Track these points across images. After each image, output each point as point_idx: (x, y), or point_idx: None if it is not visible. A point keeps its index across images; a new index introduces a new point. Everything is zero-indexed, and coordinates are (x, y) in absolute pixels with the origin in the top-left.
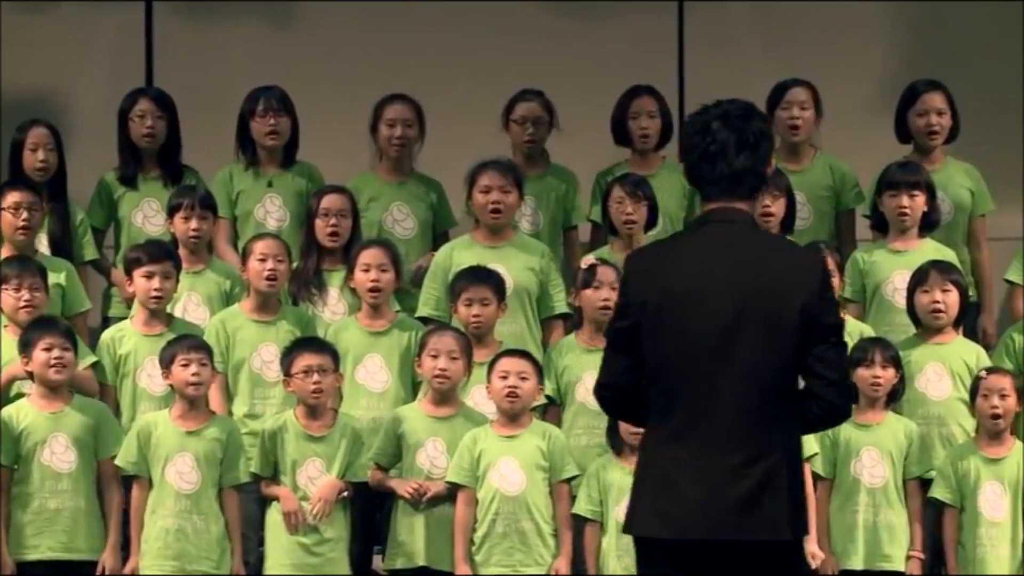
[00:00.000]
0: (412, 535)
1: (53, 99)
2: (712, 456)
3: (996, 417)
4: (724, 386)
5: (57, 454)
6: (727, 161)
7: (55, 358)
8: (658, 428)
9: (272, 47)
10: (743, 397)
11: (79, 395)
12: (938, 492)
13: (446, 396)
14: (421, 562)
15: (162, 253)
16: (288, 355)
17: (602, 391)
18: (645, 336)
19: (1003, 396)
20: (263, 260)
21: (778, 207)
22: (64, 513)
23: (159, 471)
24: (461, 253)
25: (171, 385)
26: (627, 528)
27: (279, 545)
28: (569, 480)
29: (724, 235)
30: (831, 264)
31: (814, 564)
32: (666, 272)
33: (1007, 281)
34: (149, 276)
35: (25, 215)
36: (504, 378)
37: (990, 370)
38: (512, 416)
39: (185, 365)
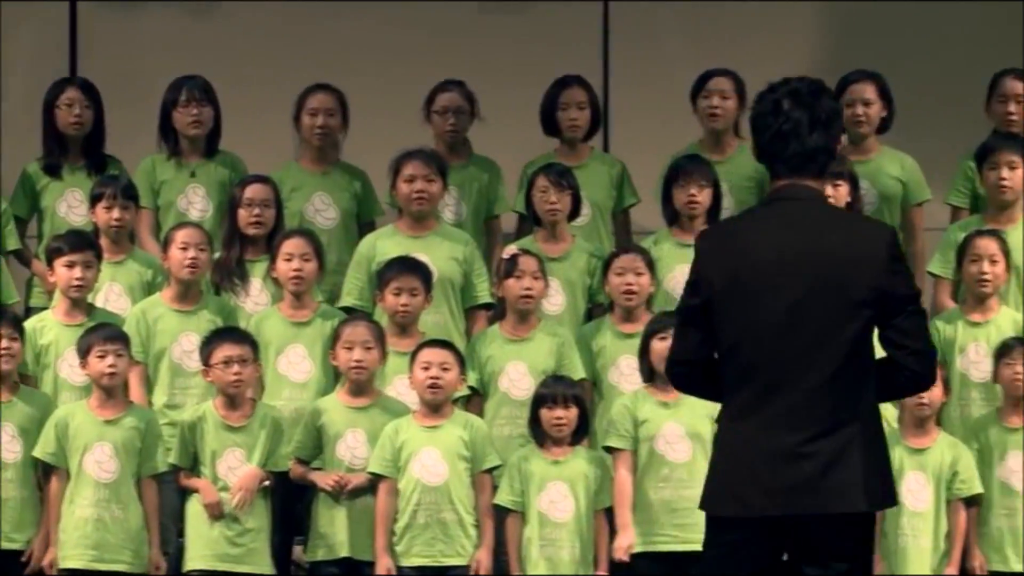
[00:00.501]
0: (333, 526)
1: None
2: (784, 431)
3: (922, 406)
4: (794, 362)
5: (4, 444)
6: (800, 140)
7: (3, 349)
8: (731, 405)
9: (195, 37)
10: (813, 372)
11: (25, 387)
12: None
13: (363, 387)
14: (343, 553)
15: (83, 243)
16: (207, 345)
17: (674, 367)
18: (716, 313)
19: None
20: (184, 249)
21: (704, 196)
22: (10, 503)
23: (77, 461)
24: (385, 243)
25: (89, 375)
26: (703, 505)
27: (199, 536)
28: (491, 470)
29: (794, 211)
30: None
31: None
32: (736, 249)
33: (930, 274)
34: (70, 266)
35: None
36: (426, 368)
37: None
38: (434, 407)
39: (102, 356)
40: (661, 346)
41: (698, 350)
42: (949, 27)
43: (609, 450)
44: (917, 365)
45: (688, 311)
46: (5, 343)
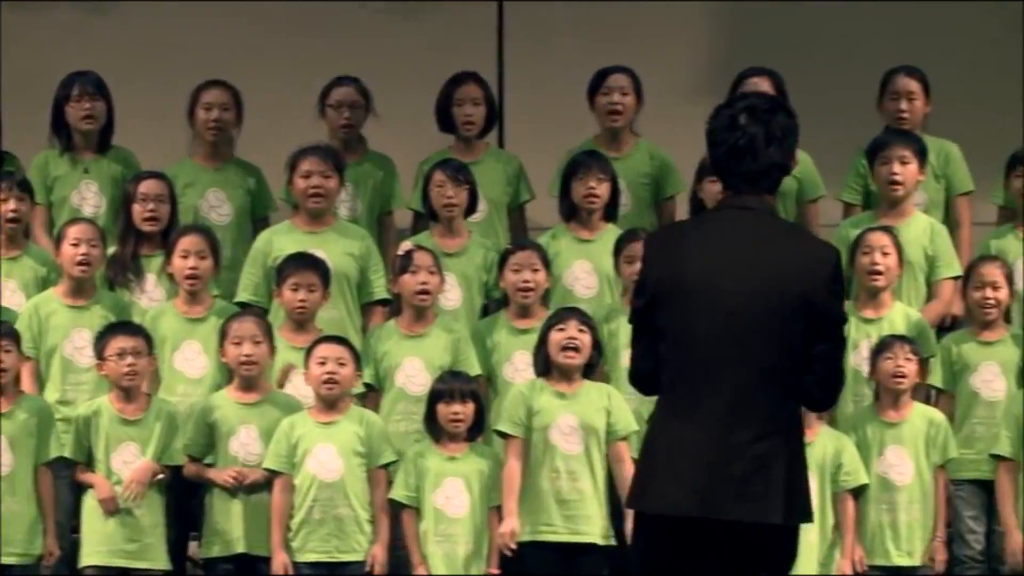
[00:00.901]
0: (229, 522)
1: None
2: (711, 435)
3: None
4: (727, 367)
5: None
6: (755, 155)
7: None
8: (664, 403)
9: (88, 33)
10: (744, 379)
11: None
12: None
13: (254, 382)
14: (239, 549)
15: None
16: (101, 338)
17: (632, 380)
18: (657, 314)
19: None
20: (76, 245)
21: (603, 190)
22: None
23: None
24: (281, 239)
25: None
26: (629, 503)
27: (94, 532)
28: (386, 466)
29: (742, 221)
30: None
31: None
32: (680, 252)
33: None
34: None
35: None
36: (322, 364)
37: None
38: (330, 402)
39: None
40: (558, 336)
41: (650, 357)
42: (840, 25)
43: (500, 435)
44: (820, 393)
45: (635, 315)
46: None
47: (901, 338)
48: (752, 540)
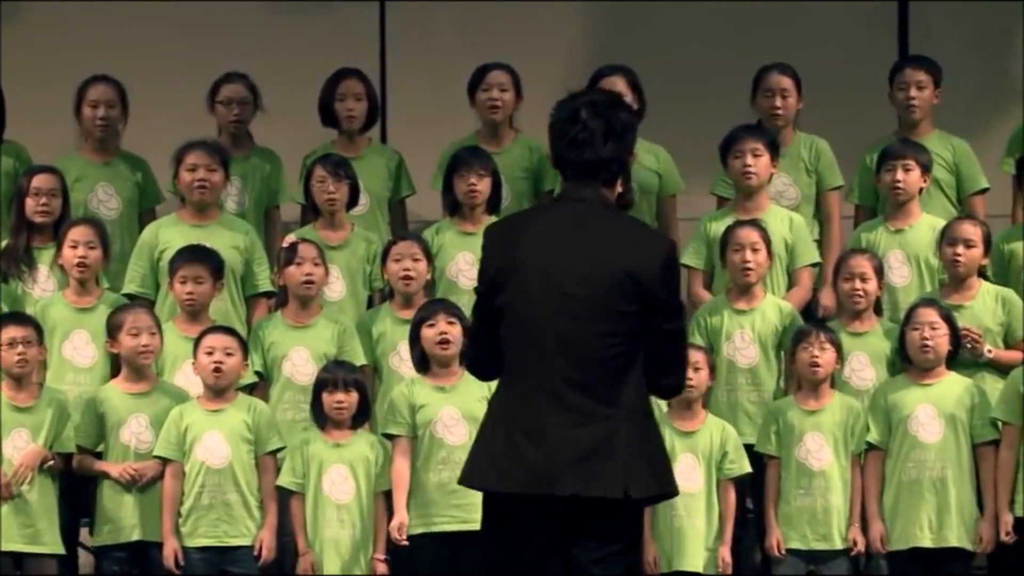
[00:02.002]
0: (121, 510)
1: None
2: (547, 413)
3: (689, 387)
4: (561, 347)
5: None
6: (594, 148)
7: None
8: (503, 384)
9: None
10: (579, 358)
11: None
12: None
13: (144, 372)
14: (132, 537)
15: None
16: None
17: (463, 360)
18: (496, 299)
19: (696, 370)
20: None
21: (484, 185)
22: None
23: None
24: (168, 231)
25: None
26: (464, 480)
27: None
28: (274, 452)
29: (579, 212)
30: None
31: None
32: (515, 242)
33: (684, 265)
34: None
35: None
36: (210, 354)
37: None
38: (218, 391)
39: None
40: (430, 332)
41: (487, 339)
42: (706, 24)
43: (388, 436)
44: (663, 381)
45: (478, 299)
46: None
47: (819, 327)
48: (593, 515)
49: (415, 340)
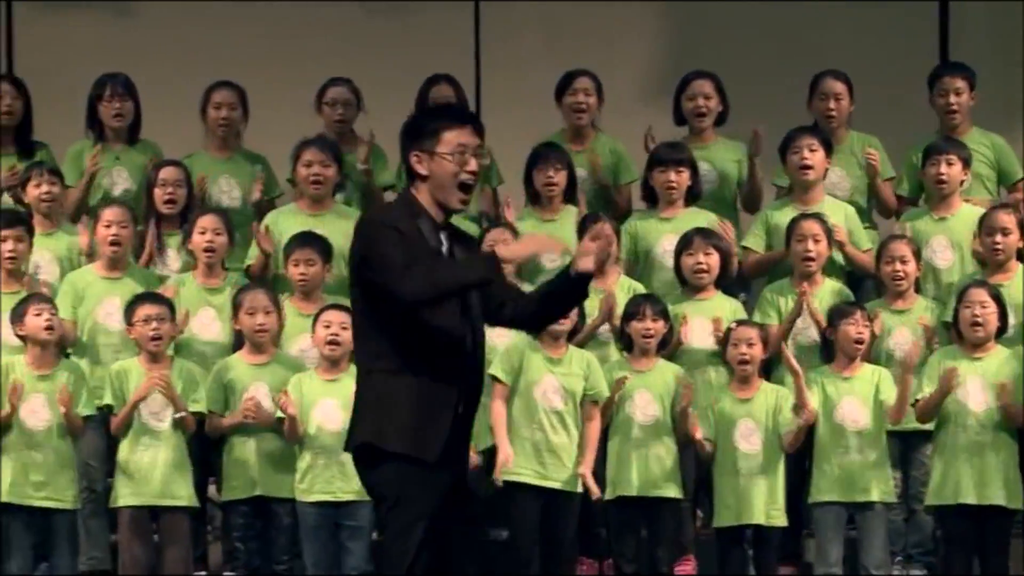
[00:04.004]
0: (245, 467)
1: None
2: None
3: (743, 363)
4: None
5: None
6: None
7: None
8: None
9: (117, 37)
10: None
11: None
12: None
13: (264, 346)
14: (255, 492)
15: (15, 219)
16: (131, 306)
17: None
18: None
19: (750, 344)
20: (108, 227)
21: (560, 178)
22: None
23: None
24: (286, 219)
25: (23, 335)
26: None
27: (127, 476)
28: None
29: None
30: (609, 230)
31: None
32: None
33: (744, 247)
34: (3, 240)
35: None
36: (327, 327)
37: (739, 322)
38: (333, 362)
39: (38, 314)
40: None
41: None
42: (776, 27)
43: (493, 378)
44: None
45: None
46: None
47: (859, 305)
48: (360, 464)
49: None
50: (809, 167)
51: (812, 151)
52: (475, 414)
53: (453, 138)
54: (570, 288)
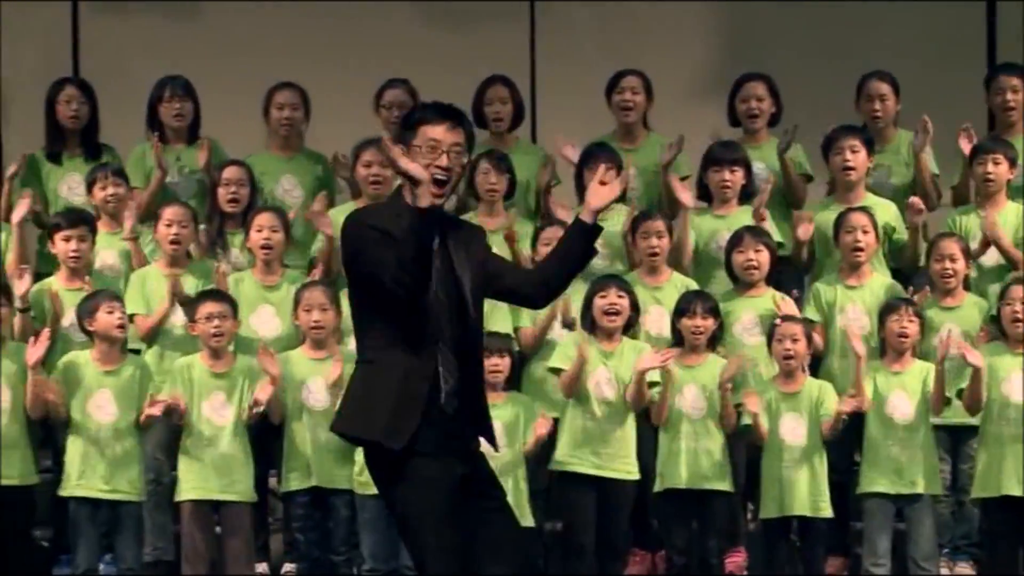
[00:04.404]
0: (304, 459)
1: None
2: None
3: (788, 358)
4: None
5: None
6: None
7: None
8: None
9: (180, 39)
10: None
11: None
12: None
13: (322, 342)
14: (314, 483)
15: (80, 219)
16: (193, 303)
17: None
18: None
19: (794, 340)
20: (168, 226)
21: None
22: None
23: (80, 405)
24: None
25: (93, 331)
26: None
27: (190, 469)
28: None
29: None
30: (660, 225)
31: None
32: None
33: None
34: (67, 239)
35: None
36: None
37: (784, 318)
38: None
39: (110, 312)
40: (601, 302)
41: None
42: (826, 27)
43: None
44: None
45: None
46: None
47: (907, 302)
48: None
49: (587, 307)
50: (851, 168)
51: (854, 152)
52: (475, 409)
53: (428, 133)
54: (580, 238)
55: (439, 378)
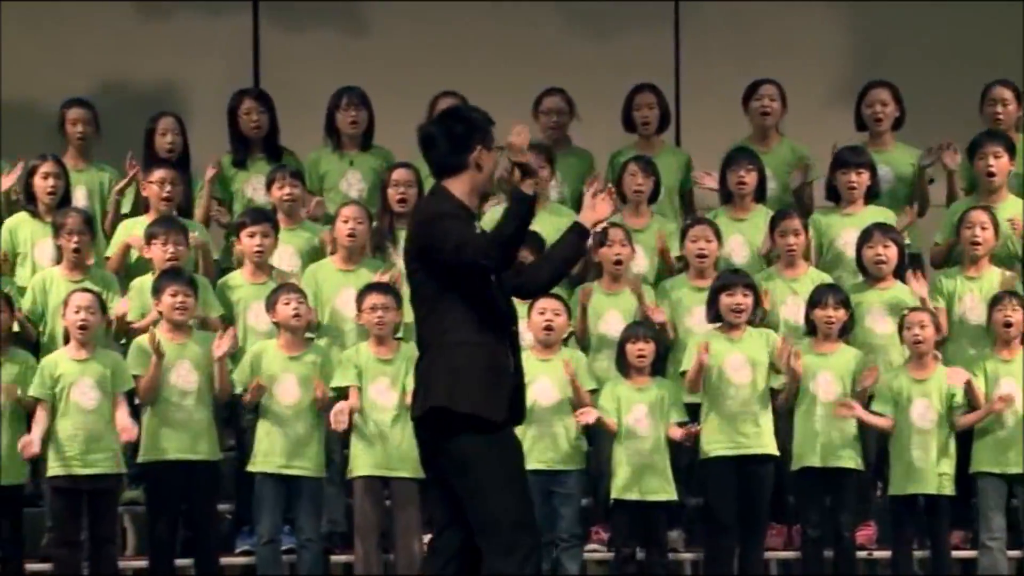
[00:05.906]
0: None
1: (175, 92)
2: None
3: (917, 343)
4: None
5: (182, 376)
6: (428, 150)
7: (179, 303)
8: None
9: (352, 51)
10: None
11: (200, 332)
12: (878, 407)
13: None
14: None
15: (262, 217)
16: (361, 295)
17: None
18: None
19: (922, 327)
20: (346, 222)
21: (751, 179)
22: (191, 424)
23: (271, 388)
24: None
25: (276, 322)
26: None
27: (361, 450)
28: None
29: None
30: (796, 223)
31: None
32: None
33: (936, 244)
34: (252, 235)
35: (168, 189)
36: (542, 314)
37: (913, 308)
38: (547, 344)
39: (287, 303)
40: (728, 300)
41: None
42: (954, 33)
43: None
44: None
45: None
46: (180, 298)
47: (1011, 293)
48: (429, 430)
49: (712, 303)
50: (994, 174)
51: (997, 158)
52: (524, 380)
53: (494, 136)
54: (577, 240)
55: (514, 354)
